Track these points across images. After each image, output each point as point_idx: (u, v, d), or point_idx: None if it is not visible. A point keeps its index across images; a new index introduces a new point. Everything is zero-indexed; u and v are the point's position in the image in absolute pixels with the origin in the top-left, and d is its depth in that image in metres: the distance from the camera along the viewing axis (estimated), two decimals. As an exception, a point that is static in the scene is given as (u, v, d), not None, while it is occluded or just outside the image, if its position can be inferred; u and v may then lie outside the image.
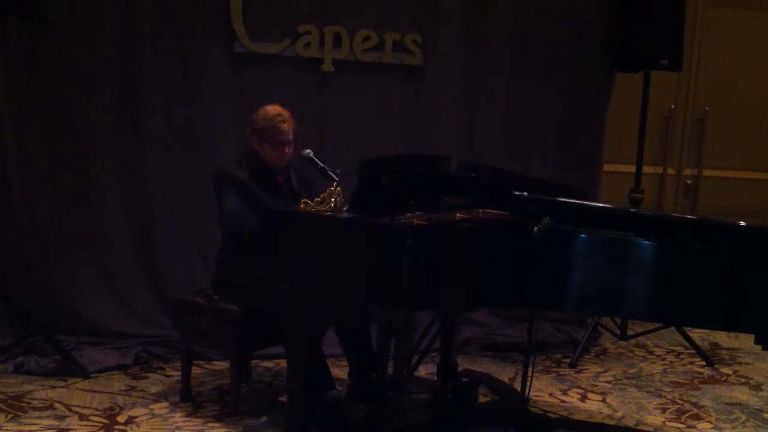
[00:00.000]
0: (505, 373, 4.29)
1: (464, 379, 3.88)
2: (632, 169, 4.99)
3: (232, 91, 4.52)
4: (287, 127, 3.64)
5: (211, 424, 3.49)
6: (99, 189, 4.39)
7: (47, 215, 4.32)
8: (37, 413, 3.53)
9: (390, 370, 3.38)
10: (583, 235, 2.99)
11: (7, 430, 3.33)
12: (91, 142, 4.34)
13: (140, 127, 4.41)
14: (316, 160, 3.63)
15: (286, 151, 3.66)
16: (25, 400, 3.67)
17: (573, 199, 3.29)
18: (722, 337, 5.09)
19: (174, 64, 4.43)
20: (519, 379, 4.07)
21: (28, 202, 4.28)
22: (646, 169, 5.16)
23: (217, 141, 4.45)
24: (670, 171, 5.87)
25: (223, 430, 3.44)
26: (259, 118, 3.66)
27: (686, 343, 4.75)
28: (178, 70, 4.44)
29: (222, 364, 4.11)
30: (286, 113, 3.66)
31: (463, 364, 4.12)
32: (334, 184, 3.45)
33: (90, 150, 4.36)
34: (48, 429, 3.37)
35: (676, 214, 3.36)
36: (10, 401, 3.64)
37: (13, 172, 4.23)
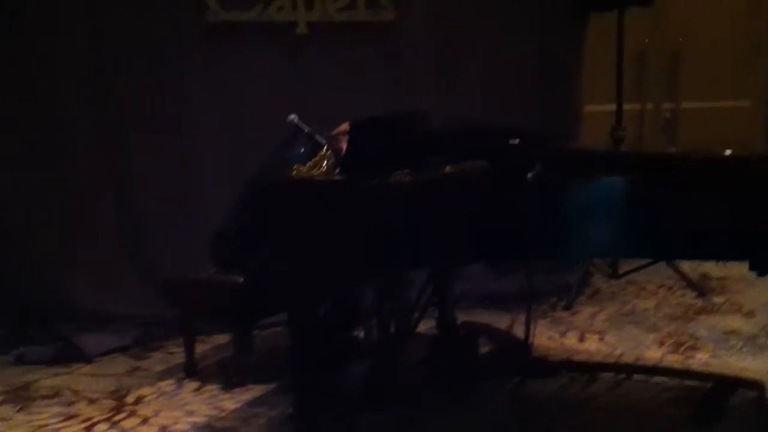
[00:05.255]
0: (501, 322, 4.33)
1: (464, 331, 3.93)
2: (612, 108, 5.01)
3: (208, 61, 4.48)
4: None
5: (219, 397, 3.53)
6: (80, 172, 4.35)
7: (29, 202, 4.27)
8: (45, 401, 3.55)
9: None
10: (575, 180, 3.01)
11: (17, 420, 3.36)
12: (70, 126, 4.29)
13: (117, 107, 4.37)
14: (302, 125, 3.64)
15: None
16: (31, 389, 3.69)
17: (558, 144, 3.31)
18: (711, 268, 5.15)
19: (145, 40, 4.36)
20: (516, 327, 4.12)
21: (9, 187, 4.24)
22: (625, 107, 5.17)
23: (196, 115, 4.42)
24: (649, 106, 5.89)
25: (232, 401, 3.48)
26: None
27: (677, 277, 4.82)
28: (150, 45, 4.37)
29: (223, 337, 4.13)
30: None
31: (459, 317, 4.16)
32: (324, 147, 3.46)
33: (69, 134, 4.30)
34: (58, 416, 3.39)
35: (668, 151, 3.41)
36: (16, 392, 3.65)
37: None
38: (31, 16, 4.17)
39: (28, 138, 4.25)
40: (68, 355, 3.99)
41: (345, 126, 3.44)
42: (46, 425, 3.30)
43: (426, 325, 4.02)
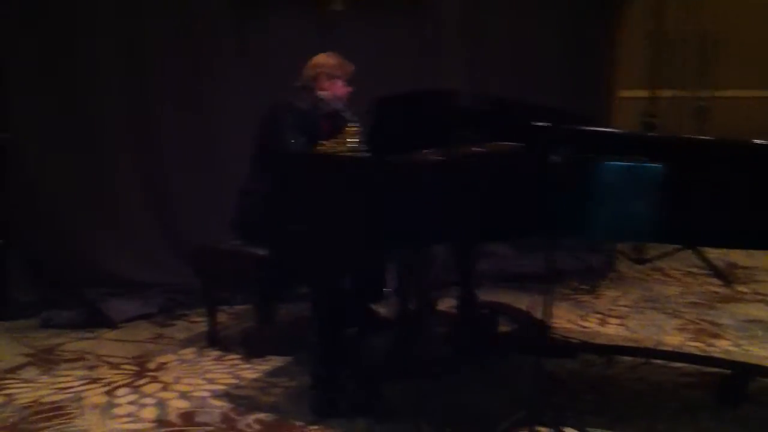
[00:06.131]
0: (522, 302, 4.32)
1: (484, 311, 3.94)
2: (645, 93, 4.97)
3: (240, 35, 4.50)
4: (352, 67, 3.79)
5: (240, 367, 3.57)
6: (111, 142, 4.43)
7: (59, 169, 4.35)
8: (68, 365, 3.61)
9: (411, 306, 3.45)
10: (601, 162, 2.99)
11: (41, 383, 3.42)
12: (100, 96, 4.37)
13: (147, 83, 4.43)
14: (330, 102, 3.66)
15: (350, 89, 3.78)
16: (56, 353, 3.75)
17: (586, 125, 3.29)
18: (738, 257, 5.11)
19: (176, 16, 4.42)
20: (536, 308, 4.11)
21: (40, 156, 4.31)
22: (659, 93, 5.13)
23: (225, 90, 4.46)
24: (683, 93, 5.82)
25: (252, 371, 3.52)
26: (328, 59, 3.77)
27: (702, 264, 4.79)
28: (181, 21, 4.43)
29: (245, 308, 4.17)
30: None
31: (480, 296, 4.16)
32: (353, 123, 3.49)
33: (103, 110, 4.39)
34: (81, 379, 3.45)
35: (695, 136, 3.37)
36: (41, 355, 3.72)
37: (22, 128, 4.24)
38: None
39: (66, 114, 4.34)
40: (94, 321, 4.05)
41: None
42: (70, 388, 3.36)
43: (447, 303, 4.05)
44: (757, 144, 2.99)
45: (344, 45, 4.56)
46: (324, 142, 3.56)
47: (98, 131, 4.39)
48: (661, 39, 4.98)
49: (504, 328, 3.91)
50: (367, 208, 3.12)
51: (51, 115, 4.31)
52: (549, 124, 3.14)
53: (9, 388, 3.35)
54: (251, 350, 3.70)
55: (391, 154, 3.15)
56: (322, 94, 3.70)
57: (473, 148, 3.25)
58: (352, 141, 3.56)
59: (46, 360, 3.66)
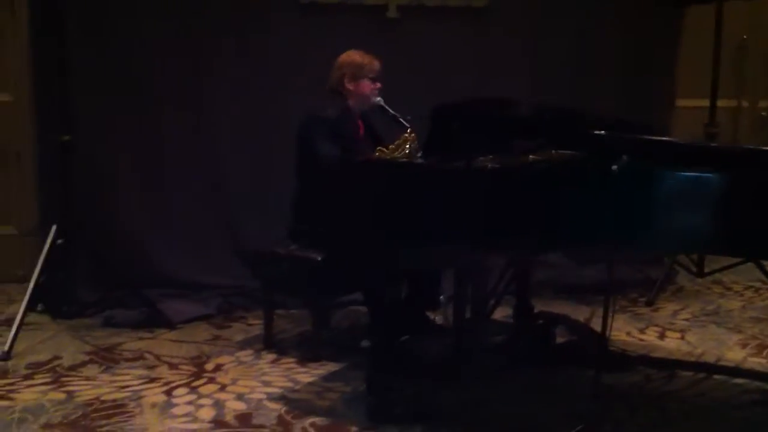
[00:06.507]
0: (580, 314, 4.29)
1: (540, 321, 3.90)
2: (706, 103, 4.88)
3: (299, 42, 4.55)
4: (378, 62, 3.79)
5: (295, 370, 3.59)
6: (170, 143, 4.52)
7: (120, 170, 4.46)
8: (128, 363, 3.67)
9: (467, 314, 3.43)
10: (662, 172, 2.95)
11: (102, 380, 3.48)
12: (160, 96, 4.47)
13: (207, 81, 4.51)
14: (387, 108, 3.71)
15: (379, 85, 3.79)
16: (116, 351, 3.82)
17: (645, 134, 3.25)
18: (802, 272, 4.98)
19: (239, 17, 4.49)
20: (595, 320, 4.08)
21: (102, 157, 4.42)
22: (720, 103, 5.03)
23: (284, 93, 4.50)
24: (745, 104, 5.71)
25: (307, 375, 3.54)
26: (354, 58, 3.79)
27: (765, 278, 4.68)
28: (243, 23, 4.50)
29: (301, 312, 4.19)
30: None
31: (537, 306, 4.13)
32: (408, 130, 3.50)
33: (160, 105, 4.48)
34: (140, 378, 3.51)
35: (758, 146, 3.31)
36: (102, 353, 3.79)
37: (86, 129, 4.31)
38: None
39: (128, 114, 4.46)
40: (153, 321, 4.12)
41: None
42: (129, 386, 3.42)
43: (503, 312, 4.03)
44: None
45: (402, 52, 4.63)
46: (382, 149, 3.57)
47: (159, 133, 4.48)
48: (721, 47, 4.88)
49: (561, 339, 3.87)
50: (421, 214, 3.12)
51: (114, 115, 4.41)
52: (608, 132, 3.11)
53: (70, 385, 3.42)
54: (307, 354, 3.72)
55: (448, 161, 3.14)
56: (377, 99, 3.73)
57: (531, 157, 3.24)
58: (409, 147, 3.57)
59: (107, 358, 3.73)
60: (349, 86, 3.77)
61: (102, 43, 4.35)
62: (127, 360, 3.72)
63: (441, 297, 3.83)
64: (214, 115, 4.54)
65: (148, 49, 4.42)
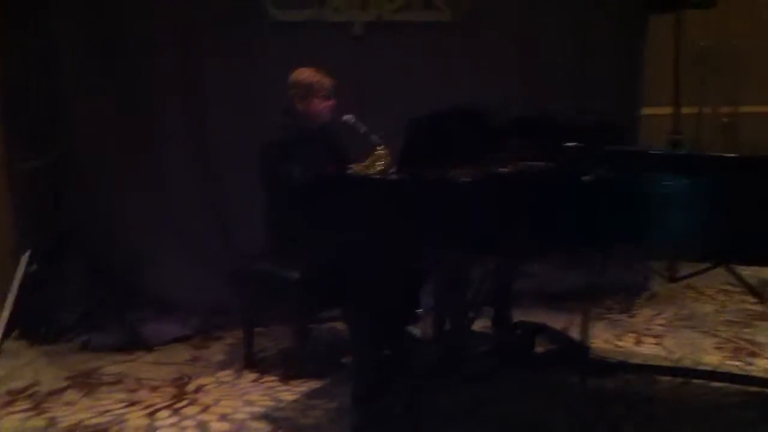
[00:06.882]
0: (558, 321, 4.32)
1: (519, 331, 3.93)
2: (669, 111, 4.97)
3: (266, 61, 4.55)
4: (329, 79, 3.79)
5: (277, 388, 3.58)
6: (152, 163, 4.50)
7: (100, 189, 4.42)
8: (108, 387, 3.65)
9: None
10: (633, 180, 3.00)
11: (83, 405, 3.45)
12: (143, 122, 4.48)
13: (184, 105, 4.50)
14: (358, 125, 3.70)
15: (331, 103, 3.79)
16: (95, 375, 3.79)
17: (615, 137, 3.31)
18: (770, 273, 5.08)
19: (210, 40, 4.50)
20: (572, 328, 4.11)
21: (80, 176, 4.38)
22: (683, 110, 5.12)
23: (257, 113, 4.49)
24: (707, 110, 5.81)
25: (290, 393, 3.53)
26: (303, 76, 3.81)
27: (736, 282, 4.76)
28: (213, 45, 4.50)
29: (281, 329, 4.17)
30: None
31: (516, 315, 4.16)
32: (381, 146, 3.51)
33: (144, 129, 4.47)
34: (121, 402, 3.48)
35: (725, 153, 3.39)
36: (81, 378, 3.76)
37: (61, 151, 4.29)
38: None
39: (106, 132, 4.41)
40: (131, 343, 4.09)
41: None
42: (111, 410, 3.39)
43: (481, 324, 4.05)
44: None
45: (369, 68, 4.64)
46: (353, 165, 3.58)
47: (137, 147, 4.45)
48: (684, 54, 4.97)
49: (540, 348, 3.90)
50: (398, 227, 3.13)
51: (91, 136, 4.37)
52: (580, 144, 3.16)
53: (51, 411, 3.39)
54: (289, 372, 3.71)
55: (421, 173, 3.16)
56: (347, 117, 3.74)
57: (501, 168, 3.27)
58: (380, 163, 3.58)
59: (87, 383, 3.69)
60: (300, 106, 3.79)
61: (90, 50, 4.33)
62: (107, 384, 3.68)
63: (419, 310, 3.83)
64: (194, 138, 4.54)
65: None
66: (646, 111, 5.29)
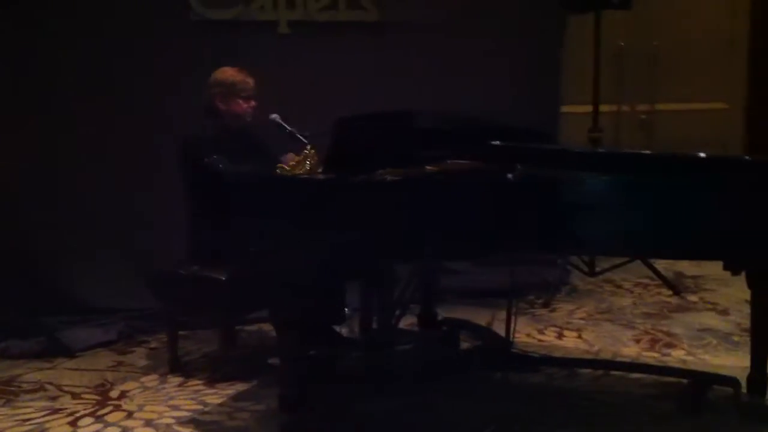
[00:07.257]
0: (481, 318, 4.38)
1: (445, 328, 3.98)
2: (589, 109, 5.08)
3: (191, 60, 4.49)
4: (252, 79, 3.78)
5: (203, 392, 3.55)
6: (66, 159, 4.39)
7: (22, 194, 4.31)
8: (29, 395, 3.56)
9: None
10: (556, 179, 3.07)
11: (2, 414, 3.36)
12: (61, 122, 4.37)
13: (104, 105, 4.40)
14: (284, 124, 3.70)
15: (253, 103, 3.78)
16: (14, 384, 3.70)
17: (540, 141, 3.38)
18: (686, 266, 5.24)
19: (131, 38, 4.41)
20: (496, 323, 4.17)
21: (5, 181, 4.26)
22: (602, 108, 5.24)
23: (181, 113, 4.42)
24: (625, 108, 5.97)
25: (217, 396, 3.50)
26: (225, 75, 3.80)
27: (652, 275, 4.91)
28: (137, 44, 4.41)
29: (206, 332, 4.14)
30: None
31: (441, 313, 4.20)
32: (308, 146, 3.50)
33: (61, 128, 4.38)
34: (43, 410, 3.40)
35: (645, 151, 3.51)
36: (0, 386, 3.65)
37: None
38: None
39: (21, 129, 4.32)
40: (51, 350, 4.00)
41: None
42: (32, 419, 3.31)
43: (407, 321, 4.08)
44: (700, 157, 3.11)
45: (295, 68, 4.64)
46: (283, 165, 3.57)
47: (56, 146, 4.35)
48: (602, 54, 5.09)
49: (465, 344, 3.95)
50: (325, 228, 3.14)
51: (6, 129, 4.25)
52: (505, 143, 3.22)
53: (-31, 422, 3.29)
54: (215, 375, 3.68)
55: (349, 174, 3.18)
56: (273, 116, 3.72)
57: (429, 168, 3.31)
58: (309, 164, 3.57)
59: (6, 391, 3.60)
60: (221, 105, 3.77)
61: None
62: (27, 392, 3.60)
63: (346, 309, 3.85)
64: (108, 141, 4.44)
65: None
66: (567, 109, 5.41)
